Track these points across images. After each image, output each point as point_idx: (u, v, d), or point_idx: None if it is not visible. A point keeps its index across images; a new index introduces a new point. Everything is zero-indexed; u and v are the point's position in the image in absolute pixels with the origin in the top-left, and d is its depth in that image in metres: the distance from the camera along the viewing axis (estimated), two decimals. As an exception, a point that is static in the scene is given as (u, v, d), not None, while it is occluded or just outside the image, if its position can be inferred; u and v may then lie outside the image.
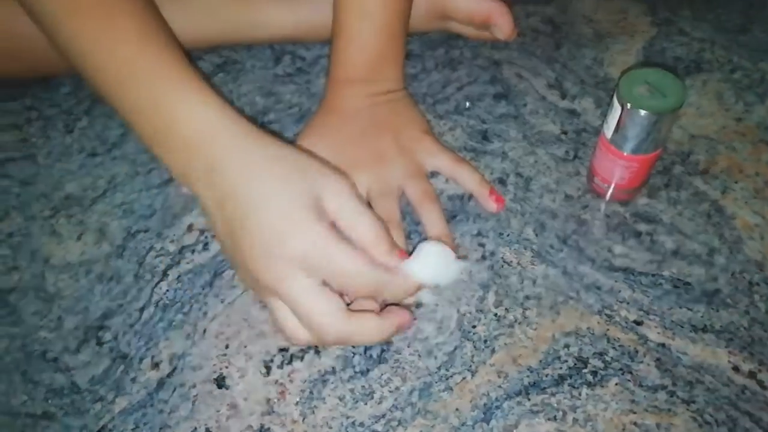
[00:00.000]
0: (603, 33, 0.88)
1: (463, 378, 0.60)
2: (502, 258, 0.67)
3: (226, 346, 0.63)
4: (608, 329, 0.63)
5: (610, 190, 0.70)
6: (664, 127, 0.63)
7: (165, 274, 0.67)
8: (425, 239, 0.67)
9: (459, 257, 0.65)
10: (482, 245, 0.68)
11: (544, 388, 0.60)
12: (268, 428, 0.58)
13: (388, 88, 0.74)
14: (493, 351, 0.62)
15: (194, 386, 0.61)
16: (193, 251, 0.68)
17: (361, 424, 0.58)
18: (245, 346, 0.63)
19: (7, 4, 0.71)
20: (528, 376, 0.60)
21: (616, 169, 0.67)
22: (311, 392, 0.60)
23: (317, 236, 0.54)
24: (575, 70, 0.84)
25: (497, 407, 0.59)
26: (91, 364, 0.62)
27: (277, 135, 0.61)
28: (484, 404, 0.59)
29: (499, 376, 0.60)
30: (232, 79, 0.83)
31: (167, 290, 0.66)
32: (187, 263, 0.68)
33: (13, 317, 0.65)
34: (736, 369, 0.60)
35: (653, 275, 0.66)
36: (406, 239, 0.67)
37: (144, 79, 0.56)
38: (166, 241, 0.69)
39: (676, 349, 0.62)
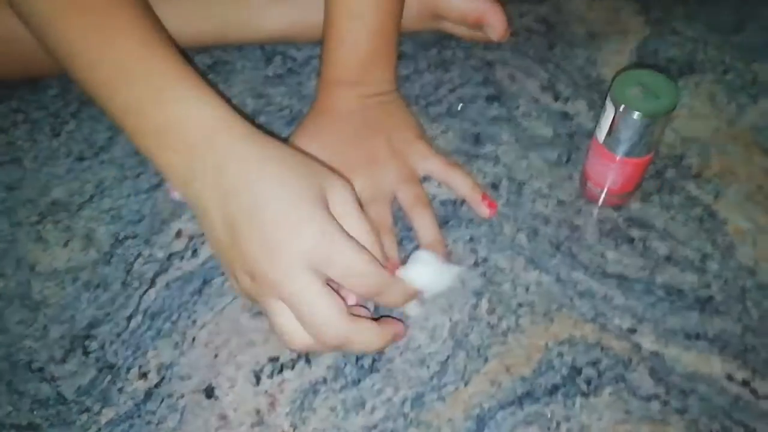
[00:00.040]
0: (596, 33, 0.87)
1: (456, 388, 0.60)
2: (495, 264, 0.67)
3: (215, 356, 0.62)
4: (602, 337, 0.62)
5: (603, 195, 0.69)
6: (657, 129, 0.62)
7: (153, 281, 0.66)
8: (418, 248, 0.66)
9: (452, 263, 0.64)
10: (475, 251, 0.68)
11: (538, 398, 0.59)
12: (259, 439, 0.58)
13: (379, 90, 0.74)
14: (486, 360, 0.61)
15: (182, 397, 0.60)
16: (181, 258, 0.68)
17: (353, 435, 0.58)
18: (235, 356, 0.62)
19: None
20: (521, 386, 0.60)
21: (609, 172, 0.66)
22: (302, 402, 0.60)
23: (326, 228, 0.53)
24: (568, 70, 0.83)
25: (490, 418, 0.58)
26: (78, 374, 0.61)
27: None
28: (477, 414, 0.58)
29: (492, 386, 0.60)
30: (222, 81, 0.82)
31: (155, 298, 0.65)
32: (176, 270, 0.67)
33: (-2, 326, 0.64)
34: (729, 377, 0.60)
35: (646, 282, 0.66)
36: (398, 245, 0.67)
37: (140, 77, 0.55)
38: (155, 248, 0.68)
39: (669, 358, 0.61)
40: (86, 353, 0.62)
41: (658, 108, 0.61)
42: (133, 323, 0.64)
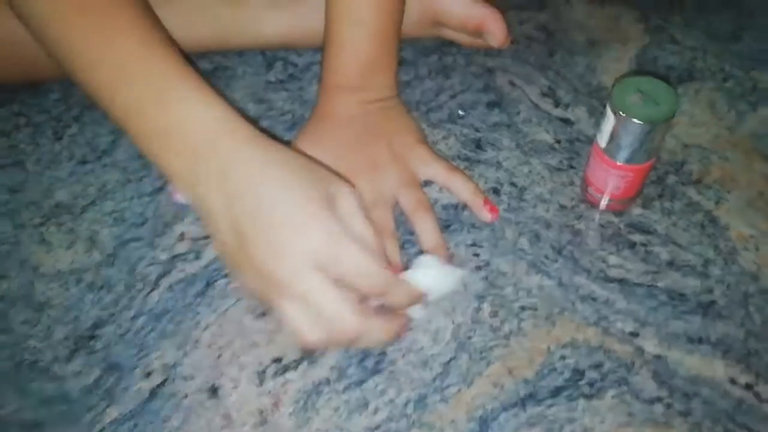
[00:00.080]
0: (596, 40, 0.88)
1: (459, 389, 0.60)
2: (497, 268, 0.67)
3: (219, 356, 0.62)
4: (604, 341, 0.62)
5: (604, 200, 0.70)
6: (657, 136, 0.63)
7: (157, 283, 0.66)
8: (421, 252, 0.66)
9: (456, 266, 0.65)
10: (477, 255, 0.68)
11: (541, 400, 0.59)
12: (262, 440, 0.58)
13: (380, 96, 0.74)
14: (488, 362, 0.61)
15: (186, 396, 0.60)
16: (185, 260, 0.68)
17: (356, 436, 0.58)
18: (238, 356, 0.62)
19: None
20: (524, 388, 0.60)
21: (610, 178, 0.67)
22: (305, 403, 0.60)
23: (332, 229, 0.54)
24: (568, 77, 0.83)
25: (493, 419, 0.58)
26: (82, 374, 0.61)
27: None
28: (480, 416, 0.59)
29: (495, 388, 0.60)
30: (223, 86, 0.82)
31: (159, 300, 0.65)
32: (179, 272, 0.67)
33: (1, 326, 0.64)
34: (732, 381, 0.60)
35: (648, 286, 0.66)
36: (400, 249, 0.67)
37: (140, 77, 0.55)
38: (158, 250, 0.68)
39: (672, 361, 0.61)
40: (91, 353, 0.62)
41: (657, 115, 0.61)
42: (137, 324, 0.64)
